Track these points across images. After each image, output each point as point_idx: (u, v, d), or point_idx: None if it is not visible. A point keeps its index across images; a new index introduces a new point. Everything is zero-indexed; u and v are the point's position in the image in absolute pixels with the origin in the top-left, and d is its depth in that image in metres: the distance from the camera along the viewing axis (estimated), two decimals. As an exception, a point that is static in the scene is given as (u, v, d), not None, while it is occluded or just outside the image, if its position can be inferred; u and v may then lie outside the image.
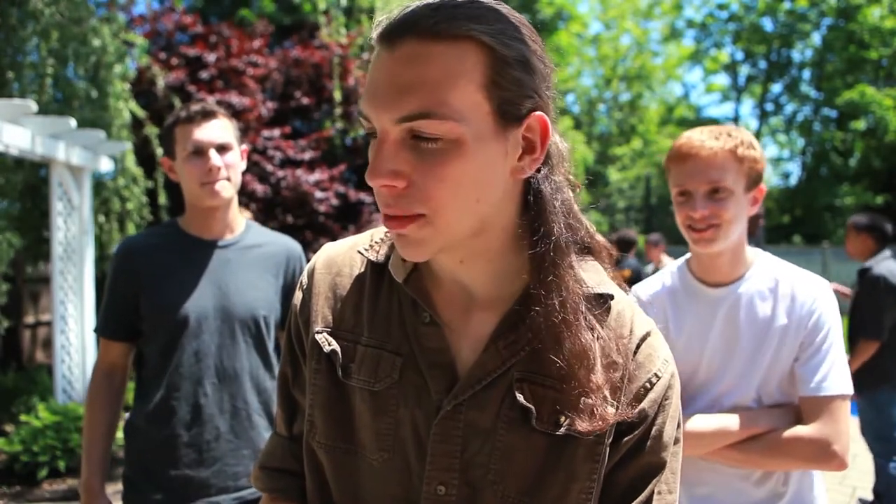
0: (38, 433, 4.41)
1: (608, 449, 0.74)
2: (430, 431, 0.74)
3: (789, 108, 25.43)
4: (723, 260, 1.36)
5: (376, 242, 0.84)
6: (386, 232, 0.83)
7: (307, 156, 7.98)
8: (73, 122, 4.68)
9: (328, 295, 0.82)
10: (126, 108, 5.78)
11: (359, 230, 7.56)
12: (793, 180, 25.27)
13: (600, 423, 0.69)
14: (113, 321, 1.68)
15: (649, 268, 6.36)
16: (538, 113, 0.69)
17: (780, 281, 1.35)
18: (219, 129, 1.64)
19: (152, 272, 1.64)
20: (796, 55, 24.34)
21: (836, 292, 3.86)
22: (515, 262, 0.74)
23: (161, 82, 7.03)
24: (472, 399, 0.73)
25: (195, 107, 1.65)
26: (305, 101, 8.52)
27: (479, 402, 0.73)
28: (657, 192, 20.83)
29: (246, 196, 7.26)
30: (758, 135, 24.94)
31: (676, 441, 0.79)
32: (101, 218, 5.79)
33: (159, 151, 5.77)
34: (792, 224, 22.46)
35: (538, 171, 0.73)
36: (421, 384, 0.75)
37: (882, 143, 20.50)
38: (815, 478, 1.39)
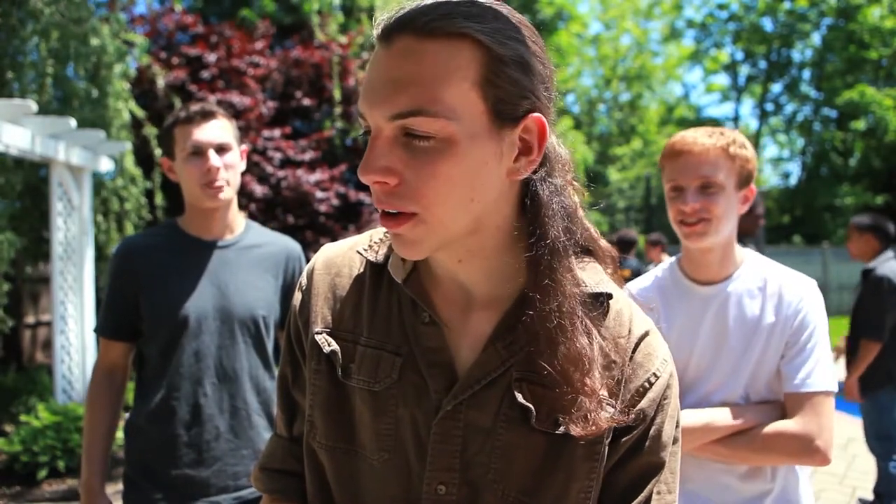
0: (38, 433, 4.41)
1: (607, 448, 0.74)
2: (430, 431, 0.74)
3: (789, 108, 25.46)
4: (713, 257, 1.39)
5: (375, 243, 0.84)
6: (385, 232, 0.83)
7: (307, 156, 7.98)
8: (73, 123, 4.68)
9: (328, 295, 0.82)
10: (126, 108, 5.78)
11: (359, 230, 7.57)
12: (793, 180, 25.29)
13: (593, 428, 0.69)
14: (113, 321, 1.68)
15: (650, 268, 6.36)
16: (535, 114, 0.69)
17: (768, 280, 1.38)
18: (218, 130, 1.64)
19: (152, 272, 1.64)
20: (796, 55, 24.37)
21: None
22: (513, 262, 0.74)
23: (161, 82, 7.03)
24: (471, 398, 0.73)
25: (195, 107, 1.65)
26: (306, 101, 8.53)
27: (479, 402, 0.73)
28: (657, 193, 20.83)
29: (246, 196, 7.26)
30: (758, 135, 24.97)
31: (675, 441, 0.79)
32: (100, 218, 5.79)
33: (158, 152, 5.76)
34: (792, 224, 22.47)
35: (535, 173, 0.72)
36: (421, 384, 0.75)
37: (882, 143, 20.52)
38: (800, 477, 1.40)
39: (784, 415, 1.31)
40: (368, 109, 0.67)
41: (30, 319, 7.47)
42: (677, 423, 0.79)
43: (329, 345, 0.79)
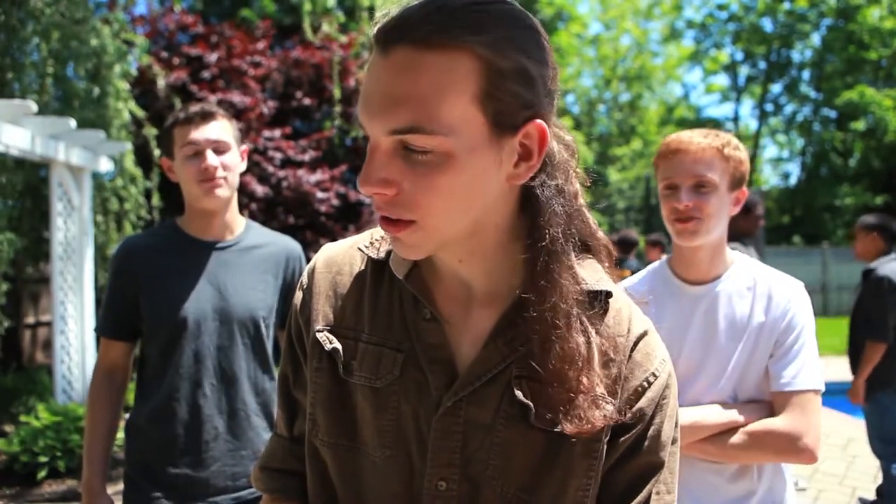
0: (38, 433, 4.41)
1: (606, 447, 0.74)
2: (431, 427, 0.74)
3: (789, 108, 25.48)
4: (703, 256, 1.40)
5: (377, 240, 0.84)
6: None
7: (308, 156, 7.99)
8: (72, 123, 4.69)
9: (329, 293, 0.83)
10: (126, 108, 5.79)
11: (359, 230, 7.56)
12: (792, 181, 25.29)
13: (588, 426, 0.69)
14: (113, 321, 1.69)
15: (649, 268, 6.35)
16: (536, 121, 0.68)
17: (757, 280, 1.39)
18: (217, 130, 1.64)
19: (151, 273, 1.65)
20: (796, 55, 24.38)
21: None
22: (512, 259, 0.74)
23: (161, 82, 7.04)
24: (472, 395, 0.74)
25: (194, 108, 1.65)
26: (306, 101, 8.53)
27: (479, 399, 0.74)
28: (657, 193, 20.75)
29: (247, 196, 7.27)
30: (757, 135, 24.99)
31: (674, 441, 0.79)
32: (100, 218, 5.79)
33: (158, 152, 5.77)
34: (792, 224, 22.48)
35: (535, 177, 0.72)
36: (422, 380, 0.75)
37: (881, 143, 20.53)
38: (788, 482, 1.41)
39: (772, 414, 1.32)
40: (367, 121, 0.67)
41: (30, 319, 7.48)
42: (676, 422, 0.80)
43: (330, 342, 0.80)
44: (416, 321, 0.77)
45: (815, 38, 23.52)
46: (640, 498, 0.75)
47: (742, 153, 1.38)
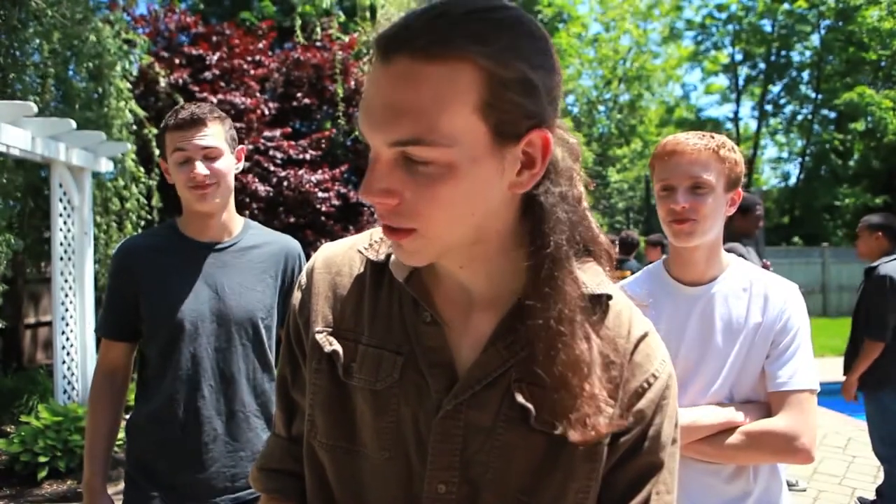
0: (39, 434, 4.41)
1: (606, 449, 0.75)
2: (431, 430, 0.74)
3: (788, 109, 25.49)
4: (699, 257, 1.41)
5: (376, 242, 0.84)
6: None
7: (308, 156, 8.00)
8: (73, 124, 4.69)
9: (328, 294, 0.83)
10: (127, 108, 5.79)
11: (359, 231, 7.56)
12: (792, 181, 25.28)
13: (592, 433, 0.69)
14: (113, 322, 1.69)
15: (649, 269, 6.35)
16: (539, 130, 0.67)
17: (753, 282, 1.40)
18: (207, 137, 1.61)
19: (150, 274, 1.64)
20: (795, 56, 24.37)
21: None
22: (514, 264, 0.74)
23: (163, 82, 7.04)
24: (472, 398, 0.74)
25: (184, 112, 1.62)
26: (306, 101, 8.54)
27: (480, 402, 0.74)
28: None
29: (248, 196, 7.28)
30: (757, 136, 24.98)
31: (674, 441, 0.79)
32: (100, 218, 5.79)
33: (158, 152, 5.76)
34: (791, 225, 22.48)
35: (539, 184, 0.71)
36: (422, 383, 0.75)
37: (881, 143, 20.53)
38: (783, 480, 1.42)
39: (768, 415, 1.32)
40: (368, 132, 0.67)
41: (30, 320, 7.48)
42: (676, 423, 0.80)
43: (330, 344, 0.80)
44: (416, 324, 0.77)
45: (815, 39, 23.52)
46: (639, 498, 0.75)
47: (737, 155, 1.39)
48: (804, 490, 4.28)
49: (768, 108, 25.52)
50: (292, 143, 7.98)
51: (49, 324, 6.64)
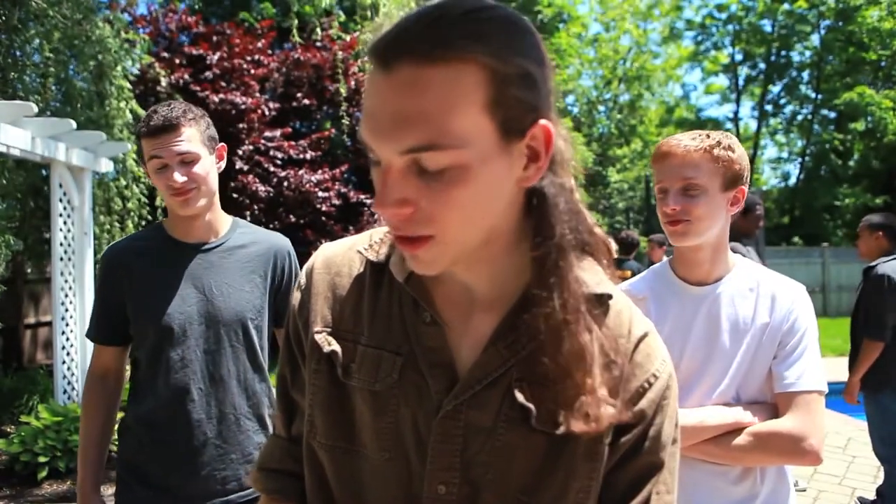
0: (39, 434, 4.41)
1: (607, 448, 0.75)
2: (431, 431, 0.74)
3: (788, 109, 25.49)
4: (703, 256, 1.40)
5: (375, 242, 0.84)
6: (386, 232, 0.83)
7: (309, 156, 8.00)
8: (73, 124, 4.70)
9: (327, 295, 0.82)
10: (128, 107, 5.79)
11: (359, 231, 7.56)
12: (792, 181, 25.29)
13: (595, 424, 0.69)
14: (102, 326, 1.68)
15: (650, 269, 6.35)
16: (542, 122, 0.68)
17: (760, 282, 1.39)
18: (182, 142, 1.57)
19: (137, 277, 1.63)
20: (795, 56, 24.38)
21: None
22: (516, 263, 0.74)
23: (164, 81, 7.04)
24: (472, 399, 0.74)
25: (156, 119, 1.57)
26: (307, 101, 8.54)
27: (480, 402, 0.74)
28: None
29: (248, 196, 7.28)
30: (757, 136, 24.98)
31: (674, 441, 0.79)
32: (102, 218, 5.79)
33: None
34: (791, 225, 22.49)
35: (542, 177, 0.72)
36: (421, 384, 0.75)
37: (881, 143, 20.54)
38: (790, 483, 1.41)
39: (775, 416, 1.31)
40: (375, 142, 0.65)
41: (30, 320, 7.48)
42: (676, 423, 0.80)
43: (329, 344, 0.80)
44: (415, 325, 0.77)
45: (815, 39, 23.53)
46: (639, 498, 0.76)
47: (734, 152, 1.35)
48: (804, 490, 4.28)
49: (768, 108, 25.53)
50: (292, 143, 7.99)
51: (49, 324, 6.64)
